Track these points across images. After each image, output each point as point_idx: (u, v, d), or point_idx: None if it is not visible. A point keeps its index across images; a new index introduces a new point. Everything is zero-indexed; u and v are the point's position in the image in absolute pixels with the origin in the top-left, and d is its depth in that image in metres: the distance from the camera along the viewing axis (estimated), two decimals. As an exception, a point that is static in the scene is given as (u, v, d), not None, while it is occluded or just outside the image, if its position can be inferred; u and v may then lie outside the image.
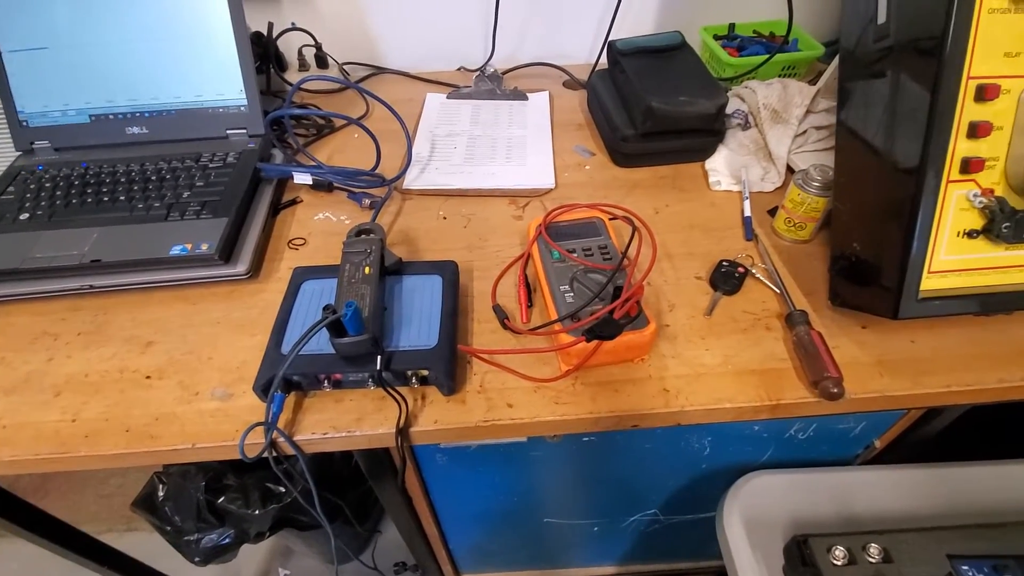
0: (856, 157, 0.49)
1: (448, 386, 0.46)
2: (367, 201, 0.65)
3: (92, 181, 0.61)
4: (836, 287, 0.53)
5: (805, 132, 0.68)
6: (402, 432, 0.45)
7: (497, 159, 0.72)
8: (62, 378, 0.49)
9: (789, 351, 0.50)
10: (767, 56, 0.78)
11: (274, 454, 0.45)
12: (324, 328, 0.43)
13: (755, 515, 0.56)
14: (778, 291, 0.54)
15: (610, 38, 0.80)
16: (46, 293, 0.54)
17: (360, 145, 0.77)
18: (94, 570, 0.81)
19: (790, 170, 0.67)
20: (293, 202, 0.67)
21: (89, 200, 0.59)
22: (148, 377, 0.49)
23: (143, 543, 0.97)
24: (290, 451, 0.46)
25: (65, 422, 0.46)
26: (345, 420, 0.46)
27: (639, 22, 0.92)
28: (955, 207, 0.44)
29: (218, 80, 0.65)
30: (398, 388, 0.46)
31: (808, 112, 0.68)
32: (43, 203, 0.59)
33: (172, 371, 0.50)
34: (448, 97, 0.85)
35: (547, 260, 0.52)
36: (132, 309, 0.55)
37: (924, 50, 0.42)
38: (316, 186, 0.67)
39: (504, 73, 0.89)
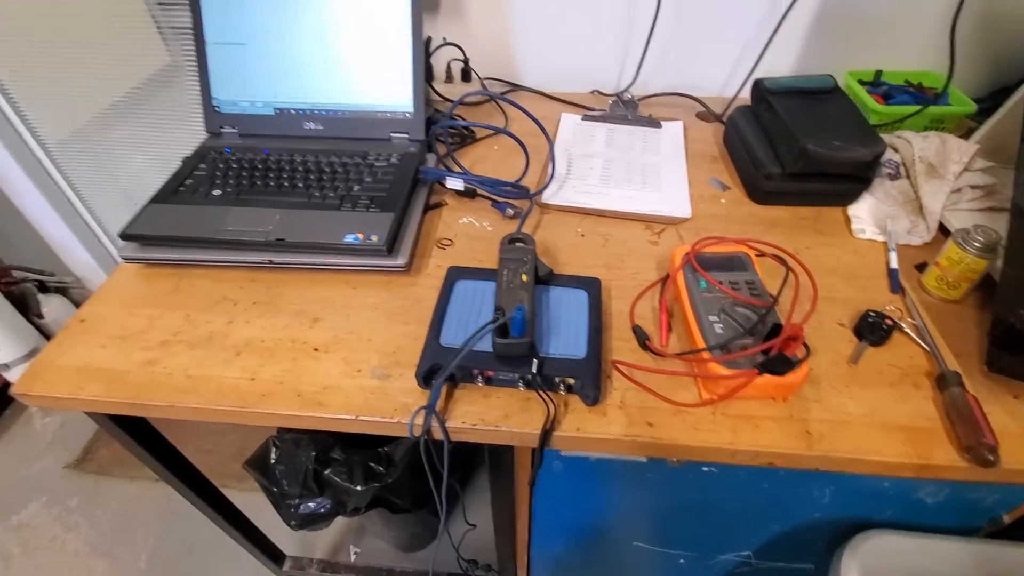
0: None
1: (593, 397, 0.48)
2: (511, 211, 0.69)
3: (273, 167, 0.68)
4: (995, 353, 0.51)
5: (960, 190, 0.66)
6: (546, 434, 0.47)
7: (633, 183, 0.74)
8: (241, 340, 0.56)
9: (939, 411, 0.49)
10: (918, 108, 0.76)
11: (426, 437, 0.49)
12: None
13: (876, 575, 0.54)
14: (928, 349, 0.53)
15: (754, 76, 0.81)
16: (231, 263, 0.61)
17: (499, 157, 0.81)
18: (209, 516, 0.88)
19: (942, 227, 0.65)
20: (439, 204, 0.72)
21: (272, 184, 0.66)
22: (316, 350, 0.54)
23: (235, 498, 1.04)
24: (439, 436, 0.49)
25: (244, 379, 0.52)
26: (493, 415, 0.49)
27: (778, 61, 0.91)
28: None
29: (391, 88, 0.71)
30: (547, 392, 0.48)
31: (965, 170, 0.66)
32: (231, 182, 0.66)
33: (336, 347, 0.55)
34: (583, 119, 0.88)
35: (693, 288, 0.53)
36: (300, 286, 0.61)
37: None
38: (463, 192, 0.71)
39: (639, 100, 0.91)
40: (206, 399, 0.51)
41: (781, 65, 0.92)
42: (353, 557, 1.23)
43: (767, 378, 0.45)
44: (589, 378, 0.48)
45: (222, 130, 0.74)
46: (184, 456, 0.76)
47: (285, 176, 0.67)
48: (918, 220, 0.66)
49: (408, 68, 0.70)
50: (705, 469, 0.57)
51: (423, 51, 0.70)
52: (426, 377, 0.49)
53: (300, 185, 0.65)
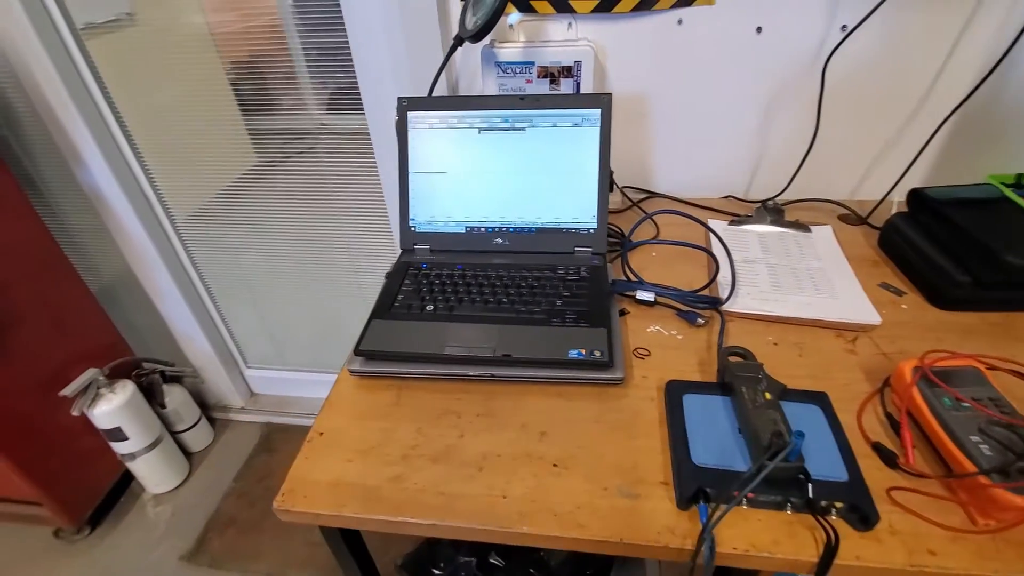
0: None
1: (869, 522, 0.47)
2: (701, 320, 0.71)
3: (473, 282, 0.73)
4: None
5: None
6: (828, 562, 0.46)
7: (805, 289, 0.76)
8: (478, 454, 0.57)
9: None
10: (1085, 211, 0.78)
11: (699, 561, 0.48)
12: (762, 451, 0.47)
13: None
14: None
15: (900, 182, 0.85)
16: (454, 376, 0.65)
17: (658, 263, 0.85)
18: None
19: None
20: (623, 313, 0.75)
21: (477, 300, 0.70)
22: (555, 466, 0.56)
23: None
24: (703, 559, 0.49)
25: (496, 497, 0.53)
26: (763, 540, 0.48)
27: (912, 168, 0.95)
28: None
29: (576, 207, 0.77)
30: (819, 517, 0.48)
31: None
32: (439, 297, 0.71)
33: (572, 463, 0.56)
34: (730, 224, 0.92)
35: (936, 405, 0.53)
36: (514, 399, 0.63)
37: None
38: (645, 302, 0.74)
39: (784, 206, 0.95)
40: (467, 518, 0.52)
41: (915, 170, 0.96)
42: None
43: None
44: (863, 502, 0.47)
45: (415, 247, 0.81)
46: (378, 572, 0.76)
47: (487, 291, 0.71)
48: (1123, 326, 0.66)
49: (594, 189, 0.76)
50: (961, 598, 0.54)
51: (608, 174, 0.76)
52: (689, 500, 0.49)
53: (504, 300, 0.70)
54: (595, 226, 0.77)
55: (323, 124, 1.25)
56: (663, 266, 0.84)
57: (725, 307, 0.74)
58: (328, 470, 0.57)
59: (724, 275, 0.79)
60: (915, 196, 0.80)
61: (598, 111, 0.75)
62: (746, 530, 0.49)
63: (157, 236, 1.42)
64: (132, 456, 1.44)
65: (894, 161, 0.94)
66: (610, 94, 0.75)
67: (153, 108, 1.25)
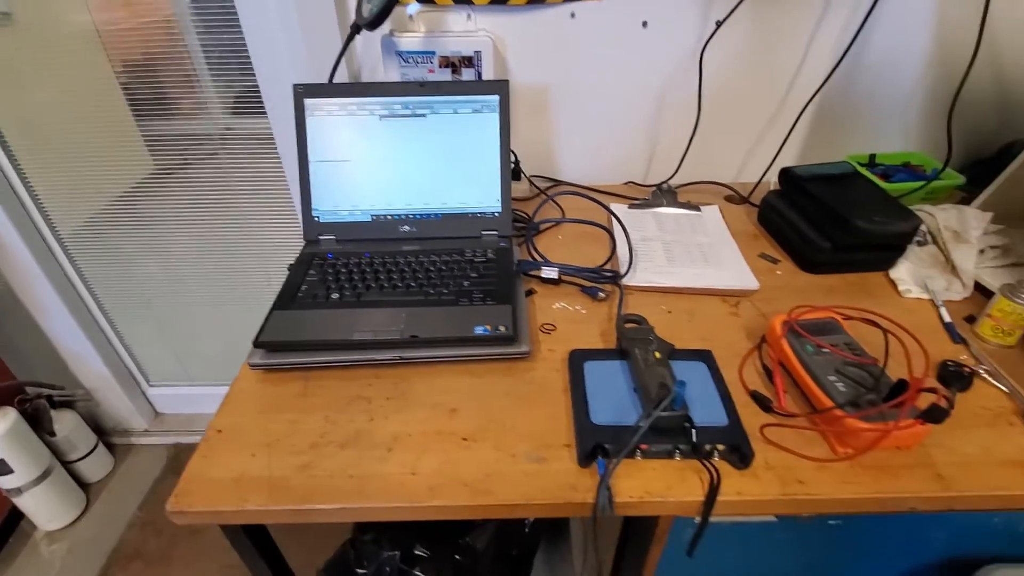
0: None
1: (746, 460, 0.52)
2: (602, 294, 0.75)
3: (380, 269, 0.73)
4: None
5: (983, 251, 0.77)
6: (712, 500, 0.51)
7: (696, 262, 0.82)
8: (389, 436, 0.58)
9: (1038, 446, 0.55)
10: (923, 183, 0.90)
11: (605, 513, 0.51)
12: (651, 403, 0.51)
13: (1004, 610, 0.58)
14: (1007, 390, 0.61)
15: (774, 164, 0.94)
16: (360, 362, 0.64)
17: (564, 244, 0.89)
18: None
19: (976, 284, 0.75)
20: (531, 292, 0.77)
21: (385, 285, 0.70)
22: (465, 439, 0.57)
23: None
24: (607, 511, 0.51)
25: (406, 474, 0.54)
26: (657, 487, 0.52)
27: (784, 150, 1.05)
28: None
29: (481, 192, 0.78)
30: (704, 460, 0.52)
31: (983, 233, 0.77)
32: (346, 285, 0.70)
33: (483, 435, 0.57)
34: (630, 207, 0.98)
35: (802, 352, 0.60)
36: (426, 379, 0.64)
37: None
38: (552, 280, 0.77)
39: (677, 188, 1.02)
40: (377, 498, 0.52)
41: (787, 151, 1.06)
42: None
43: (908, 429, 0.50)
44: (741, 442, 0.52)
45: (320, 237, 0.79)
46: (292, 571, 0.73)
47: (395, 276, 0.71)
48: (952, 279, 0.76)
49: (497, 173, 0.78)
50: (832, 522, 0.60)
51: (509, 158, 0.78)
52: (588, 456, 0.52)
53: (412, 284, 0.70)
54: (500, 209, 0.79)
55: (228, 128, 1.19)
56: (569, 248, 0.88)
57: (624, 281, 0.78)
58: (229, 466, 0.55)
59: (624, 252, 0.84)
60: (784, 175, 0.89)
61: (496, 97, 0.77)
62: (642, 480, 0.53)
63: (38, 248, 1.29)
64: (19, 491, 1.30)
65: (769, 145, 1.03)
66: (507, 81, 0.78)
67: (31, 113, 1.14)
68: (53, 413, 1.40)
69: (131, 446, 1.63)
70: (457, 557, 0.86)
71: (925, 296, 0.75)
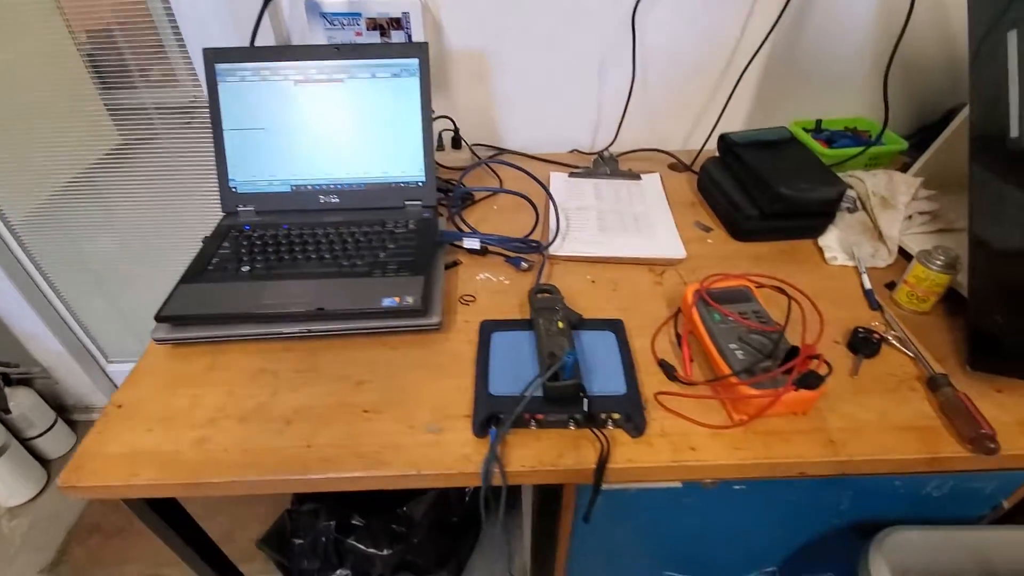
0: (997, 246, 0.56)
1: (640, 429, 0.52)
2: (525, 264, 0.74)
3: (297, 241, 0.71)
4: (975, 354, 0.58)
5: (911, 216, 0.76)
6: (602, 468, 0.51)
7: (628, 231, 0.81)
8: (289, 409, 0.57)
9: (935, 410, 0.55)
10: (861, 149, 0.88)
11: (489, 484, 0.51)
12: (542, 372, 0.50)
13: (901, 569, 0.59)
14: (913, 356, 0.61)
15: (716, 130, 0.92)
16: (269, 335, 0.63)
17: (499, 215, 0.87)
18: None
19: (901, 250, 0.75)
20: (455, 264, 0.76)
21: (299, 257, 0.69)
22: (366, 411, 0.57)
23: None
24: (498, 481, 0.52)
25: (301, 447, 0.53)
26: (549, 456, 0.52)
27: (731, 116, 1.03)
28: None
29: (403, 160, 0.76)
30: (599, 429, 0.52)
31: (912, 199, 0.76)
32: (258, 257, 0.69)
33: (386, 407, 0.57)
34: (570, 176, 0.96)
35: (709, 321, 0.59)
36: (338, 352, 0.63)
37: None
38: (477, 250, 0.76)
39: (618, 156, 1.00)
40: (267, 471, 0.52)
41: (735, 118, 1.04)
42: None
43: (794, 394, 0.50)
44: (636, 411, 0.52)
45: (239, 209, 0.77)
46: (213, 542, 0.74)
47: (311, 248, 0.70)
48: (879, 245, 0.76)
49: (419, 141, 0.76)
50: (736, 488, 0.61)
51: (431, 126, 0.76)
52: (482, 426, 0.52)
53: (327, 256, 0.69)
54: (423, 179, 0.77)
55: (196, 98, 1.14)
56: (504, 218, 0.86)
57: (552, 251, 0.77)
58: (123, 442, 0.54)
59: (553, 222, 0.83)
60: (722, 141, 0.87)
61: (415, 61, 0.74)
62: (536, 449, 0.52)
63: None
64: (-29, 470, 1.29)
65: (714, 111, 1.01)
66: (427, 43, 0.75)
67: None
68: (8, 390, 1.39)
69: (93, 422, 1.62)
70: (393, 526, 0.87)
71: (851, 263, 0.75)
